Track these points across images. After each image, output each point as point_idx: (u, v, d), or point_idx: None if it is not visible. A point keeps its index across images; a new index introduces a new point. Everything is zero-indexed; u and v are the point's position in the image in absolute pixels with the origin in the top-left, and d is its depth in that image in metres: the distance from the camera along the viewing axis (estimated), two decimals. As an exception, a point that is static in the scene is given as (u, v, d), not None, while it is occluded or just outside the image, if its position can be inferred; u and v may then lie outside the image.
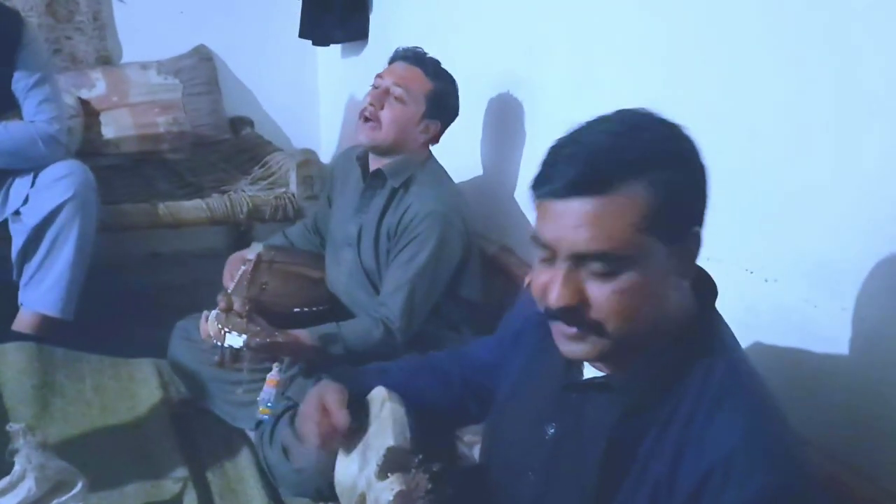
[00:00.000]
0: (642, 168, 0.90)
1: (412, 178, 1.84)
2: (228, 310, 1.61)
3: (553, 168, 0.93)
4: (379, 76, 1.87)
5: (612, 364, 0.99)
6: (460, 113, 1.95)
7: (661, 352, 0.96)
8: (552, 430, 1.05)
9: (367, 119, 1.82)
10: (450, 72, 1.91)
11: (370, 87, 1.88)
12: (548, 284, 0.93)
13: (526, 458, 1.08)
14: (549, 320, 0.96)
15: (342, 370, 1.36)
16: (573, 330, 0.94)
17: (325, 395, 1.18)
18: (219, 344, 1.59)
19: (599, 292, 0.91)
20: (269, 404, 1.64)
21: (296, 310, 1.90)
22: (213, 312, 1.63)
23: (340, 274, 1.94)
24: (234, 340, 1.58)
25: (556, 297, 0.92)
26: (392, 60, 1.91)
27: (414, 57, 1.87)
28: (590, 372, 1.03)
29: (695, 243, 0.95)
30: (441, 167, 1.92)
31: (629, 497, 0.95)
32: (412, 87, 1.83)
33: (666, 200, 0.90)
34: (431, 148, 1.92)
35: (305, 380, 1.72)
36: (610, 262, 0.90)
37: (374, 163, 1.88)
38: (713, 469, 0.89)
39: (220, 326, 1.59)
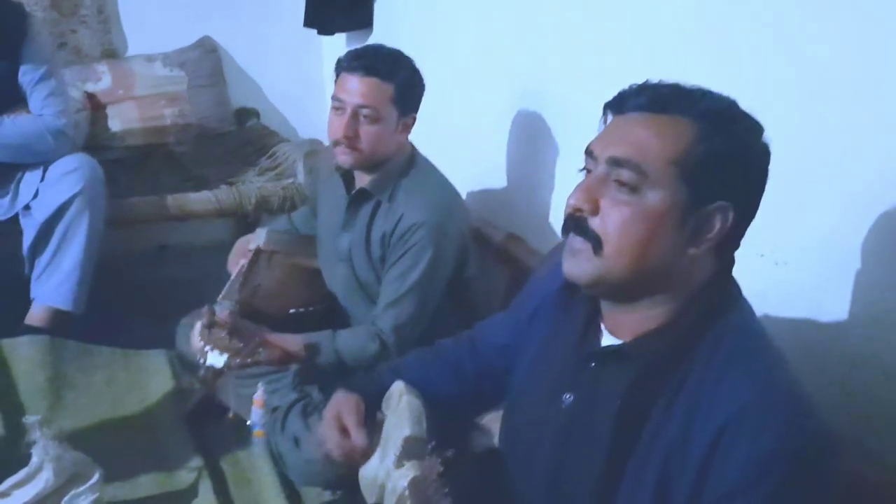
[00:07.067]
0: (698, 114, 0.95)
1: (398, 186, 1.78)
2: (211, 325, 1.55)
3: (623, 93, 1.00)
4: (336, 97, 1.74)
5: (608, 297, 1.02)
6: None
7: (675, 318, 0.98)
8: (570, 399, 1.06)
9: (344, 146, 1.74)
10: (398, 48, 1.78)
11: (332, 109, 1.76)
12: (574, 191, 0.99)
13: (543, 429, 1.09)
14: (564, 234, 1.01)
15: (355, 377, 1.35)
16: (578, 240, 0.98)
17: (343, 414, 1.19)
18: (201, 361, 1.55)
19: (612, 204, 0.95)
20: (260, 426, 1.64)
21: (291, 311, 1.87)
22: (197, 325, 1.59)
23: (336, 286, 1.92)
24: (216, 360, 1.53)
25: (573, 197, 0.98)
26: (339, 71, 1.77)
27: (363, 68, 1.72)
28: (607, 342, 1.04)
29: (718, 220, 0.96)
30: (427, 162, 1.85)
31: (641, 462, 0.96)
32: (377, 102, 1.72)
33: (705, 156, 0.93)
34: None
35: (291, 391, 1.67)
36: (638, 173, 0.94)
37: (358, 179, 1.83)
38: (726, 424, 0.90)
39: (202, 343, 1.54)
